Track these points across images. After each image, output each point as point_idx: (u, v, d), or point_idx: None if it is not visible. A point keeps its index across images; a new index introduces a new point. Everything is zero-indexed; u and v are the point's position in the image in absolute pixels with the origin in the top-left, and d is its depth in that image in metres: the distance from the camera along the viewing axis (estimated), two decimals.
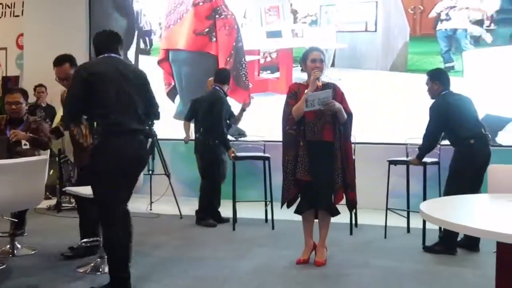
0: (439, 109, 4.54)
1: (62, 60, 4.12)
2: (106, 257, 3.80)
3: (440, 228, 4.48)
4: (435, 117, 4.55)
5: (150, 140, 3.60)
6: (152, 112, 3.61)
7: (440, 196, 4.59)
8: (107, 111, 3.28)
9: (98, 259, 4.01)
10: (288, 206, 4.24)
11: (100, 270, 3.93)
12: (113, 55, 3.48)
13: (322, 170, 4.05)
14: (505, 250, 2.41)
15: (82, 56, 8.26)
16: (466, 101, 4.64)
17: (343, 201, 4.15)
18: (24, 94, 4.92)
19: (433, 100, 4.66)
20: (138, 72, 3.60)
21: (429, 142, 4.62)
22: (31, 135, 4.63)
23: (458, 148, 4.53)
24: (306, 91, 4.00)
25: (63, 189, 4.54)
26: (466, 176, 4.37)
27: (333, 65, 7.21)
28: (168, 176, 6.23)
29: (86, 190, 4.26)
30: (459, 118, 4.48)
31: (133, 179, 3.49)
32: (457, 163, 4.48)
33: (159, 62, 8.05)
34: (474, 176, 4.38)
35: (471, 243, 4.54)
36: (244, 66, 7.56)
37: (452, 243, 4.47)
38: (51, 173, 6.11)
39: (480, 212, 2.50)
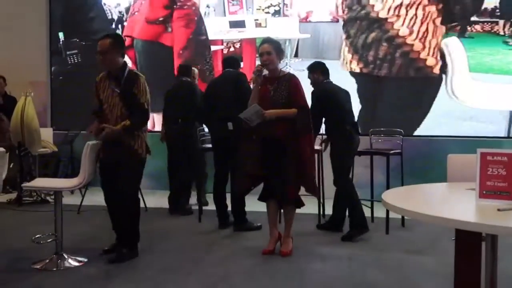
0: (317, 95, 4.77)
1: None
2: (61, 253, 3.89)
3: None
4: (317, 102, 4.71)
5: None
6: None
7: (402, 185, 4.66)
8: None
9: (54, 255, 3.91)
10: (240, 196, 4.56)
11: (57, 266, 3.85)
12: None
13: (274, 166, 4.08)
14: (463, 237, 2.47)
15: (43, 49, 8.08)
16: (343, 92, 4.93)
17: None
18: None
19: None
20: None
21: (315, 123, 4.57)
22: None
23: (337, 134, 4.77)
24: (252, 87, 4.13)
25: (22, 186, 4.42)
26: (347, 158, 4.79)
27: (296, 55, 7.23)
28: None
29: (44, 183, 4.16)
30: (336, 105, 4.75)
31: None
32: (339, 147, 4.72)
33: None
34: (352, 157, 4.87)
35: (336, 224, 4.92)
36: (208, 61, 7.47)
37: (359, 223, 4.67)
38: (11, 166, 5.97)
39: (440, 200, 2.54)
